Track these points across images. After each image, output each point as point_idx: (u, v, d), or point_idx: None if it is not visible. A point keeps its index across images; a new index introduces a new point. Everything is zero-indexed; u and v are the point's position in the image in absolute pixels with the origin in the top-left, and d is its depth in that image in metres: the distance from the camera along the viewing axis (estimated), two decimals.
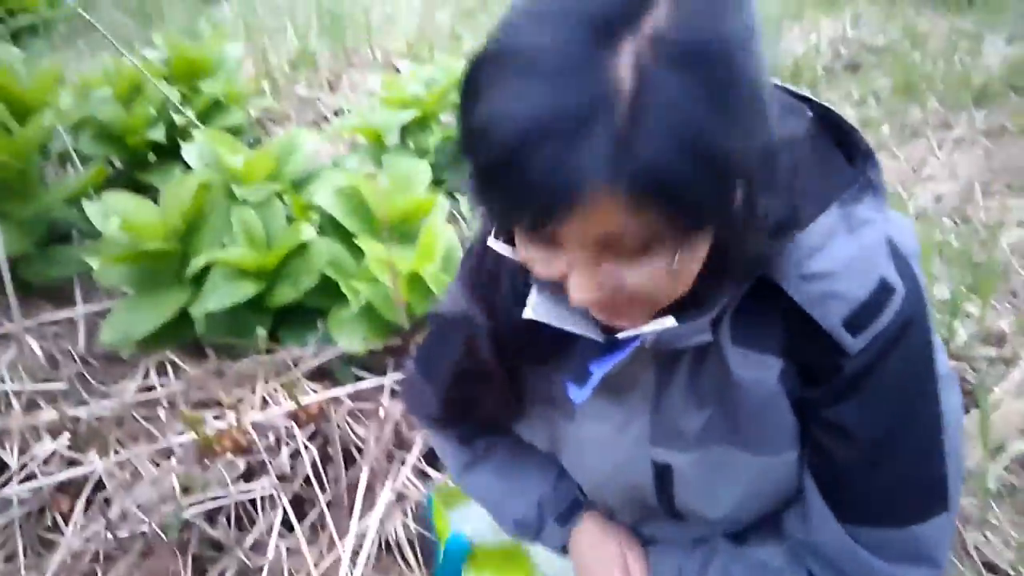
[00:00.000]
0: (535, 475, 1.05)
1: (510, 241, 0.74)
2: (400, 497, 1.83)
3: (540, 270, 0.69)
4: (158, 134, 2.61)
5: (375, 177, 2.25)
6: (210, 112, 2.82)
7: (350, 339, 2.02)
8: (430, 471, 1.87)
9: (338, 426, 1.89)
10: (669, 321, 0.71)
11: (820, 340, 0.73)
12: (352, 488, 1.82)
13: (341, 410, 1.94)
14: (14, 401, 1.97)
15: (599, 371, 0.82)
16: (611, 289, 0.66)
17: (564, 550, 1.05)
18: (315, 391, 1.97)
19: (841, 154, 0.78)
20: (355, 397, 2.00)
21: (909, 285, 0.73)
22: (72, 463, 1.82)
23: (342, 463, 1.85)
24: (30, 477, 1.78)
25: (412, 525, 1.75)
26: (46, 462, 1.80)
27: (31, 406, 1.98)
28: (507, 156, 0.55)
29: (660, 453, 0.85)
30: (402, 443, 1.92)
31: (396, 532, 1.76)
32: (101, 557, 1.65)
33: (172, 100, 2.66)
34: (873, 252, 0.73)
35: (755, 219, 0.65)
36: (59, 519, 1.73)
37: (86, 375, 2.11)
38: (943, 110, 4.08)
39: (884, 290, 0.71)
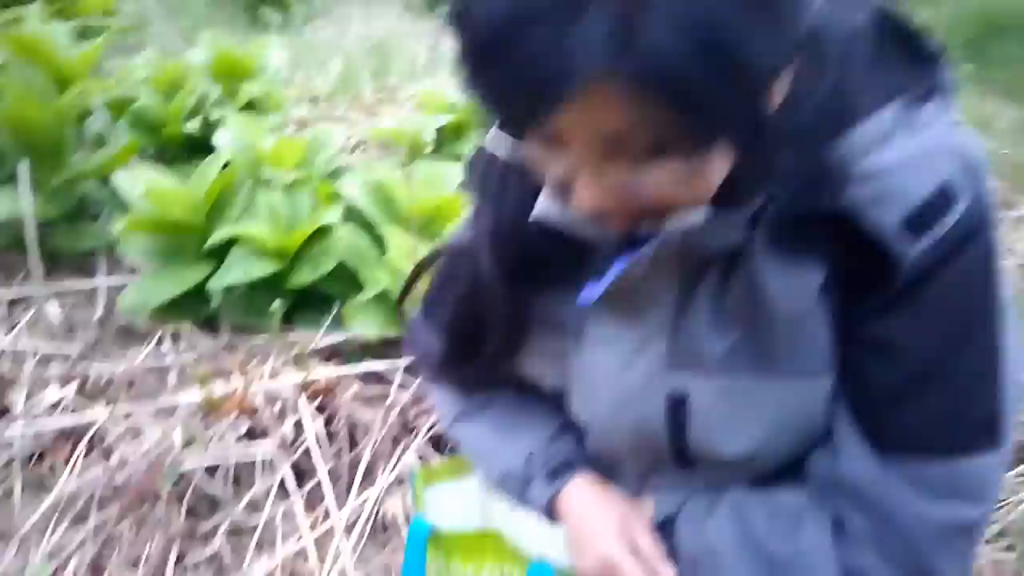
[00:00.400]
0: (531, 430, 1.03)
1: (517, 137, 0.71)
2: (400, 480, 1.93)
3: (545, 171, 0.68)
4: (194, 127, 2.82)
5: (406, 175, 2.43)
6: (247, 112, 3.03)
7: (364, 325, 2.16)
8: (434, 459, 1.98)
9: (344, 405, 2.02)
10: (698, 216, 0.67)
11: (871, 245, 0.69)
12: (353, 466, 1.94)
13: (349, 391, 2.06)
14: (29, 359, 2.14)
15: (616, 268, 0.78)
16: (621, 194, 0.64)
17: (549, 514, 1.01)
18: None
19: (908, 55, 0.74)
20: (364, 381, 2.13)
21: (974, 195, 0.69)
22: (77, 412, 1.96)
23: (346, 440, 1.96)
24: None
25: (411, 507, 1.85)
26: (53, 407, 1.95)
27: (44, 364, 2.15)
28: (493, 37, 0.54)
29: (677, 380, 0.80)
30: (408, 429, 2.03)
31: (394, 512, 1.87)
32: (95, 501, 1.77)
33: (210, 95, 2.88)
34: (935, 154, 0.70)
35: (794, 121, 0.63)
36: (58, 464, 1.86)
37: (101, 343, 2.27)
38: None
39: (945, 195, 0.68)
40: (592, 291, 0.81)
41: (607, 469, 1.00)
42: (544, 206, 0.76)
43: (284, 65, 3.50)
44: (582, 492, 0.97)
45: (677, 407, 0.81)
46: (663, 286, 0.79)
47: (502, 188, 0.83)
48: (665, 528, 0.91)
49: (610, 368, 0.85)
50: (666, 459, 0.87)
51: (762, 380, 0.77)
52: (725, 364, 0.78)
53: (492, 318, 0.88)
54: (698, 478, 0.89)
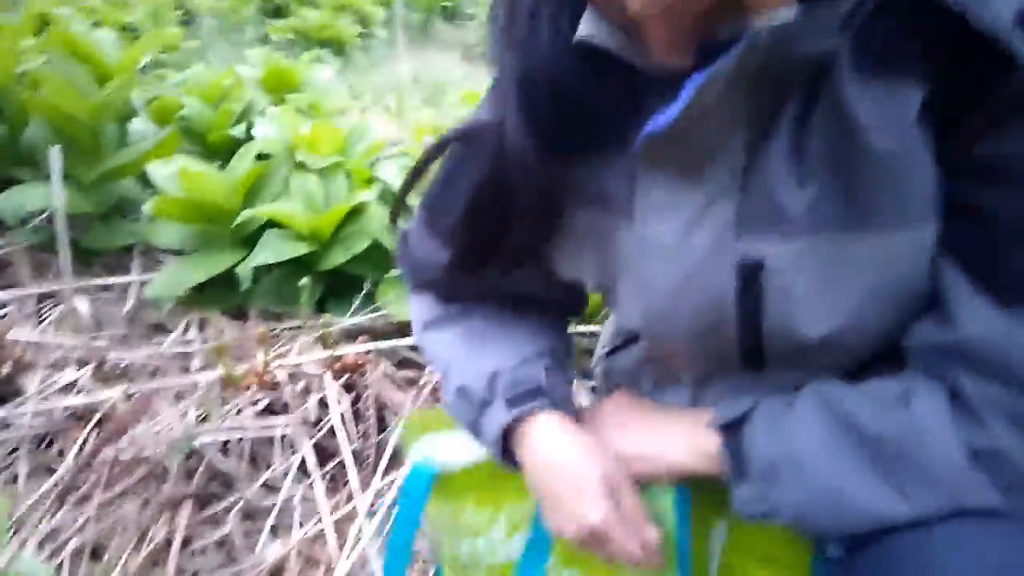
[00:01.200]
0: (505, 345, 0.86)
1: None
2: None
3: None
4: (239, 131, 2.68)
5: None
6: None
7: (396, 304, 1.95)
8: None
9: (373, 385, 1.79)
10: (787, 12, 0.55)
11: (980, 49, 0.58)
12: (380, 448, 1.70)
13: (379, 371, 1.83)
14: (52, 350, 1.96)
15: (689, 88, 0.63)
16: None
17: (503, 446, 0.83)
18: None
19: None
20: (396, 362, 1.90)
21: None
22: (89, 393, 1.77)
23: (374, 419, 1.73)
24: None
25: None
26: (65, 388, 1.77)
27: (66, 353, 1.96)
28: None
29: (750, 245, 0.67)
30: None
31: None
32: (101, 482, 1.56)
33: (257, 104, 2.75)
34: None
35: None
36: (68, 447, 1.66)
37: (127, 336, 2.09)
38: None
39: None
40: (657, 123, 0.64)
41: (660, 379, 0.86)
42: (589, 26, 0.64)
43: (333, 86, 3.37)
44: (550, 429, 0.80)
45: (751, 278, 0.67)
46: (732, 127, 0.65)
47: (532, 25, 0.68)
48: (730, 432, 0.73)
49: (668, 240, 0.70)
50: (732, 356, 0.74)
51: (852, 237, 0.64)
52: (807, 221, 0.64)
53: (519, 200, 0.73)
54: (767, 381, 0.74)
